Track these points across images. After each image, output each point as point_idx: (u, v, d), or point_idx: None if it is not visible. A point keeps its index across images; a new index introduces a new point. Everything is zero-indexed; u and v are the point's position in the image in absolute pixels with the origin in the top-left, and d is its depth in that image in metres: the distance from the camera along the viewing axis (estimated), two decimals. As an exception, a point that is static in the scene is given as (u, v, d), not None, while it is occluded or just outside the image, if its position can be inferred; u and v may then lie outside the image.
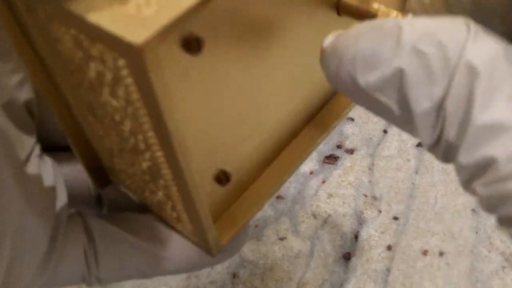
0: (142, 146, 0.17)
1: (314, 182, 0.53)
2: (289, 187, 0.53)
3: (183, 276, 0.46)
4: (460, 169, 0.13)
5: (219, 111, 0.17)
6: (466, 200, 0.51)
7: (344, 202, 0.51)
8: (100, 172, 0.22)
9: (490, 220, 0.49)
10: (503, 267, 0.46)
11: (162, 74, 0.12)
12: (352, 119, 0.59)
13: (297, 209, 0.51)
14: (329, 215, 0.50)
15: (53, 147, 0.23)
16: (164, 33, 0.12)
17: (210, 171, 0.18)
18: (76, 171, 0.23)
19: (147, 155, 0.17)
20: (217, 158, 0.18)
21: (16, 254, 0.19)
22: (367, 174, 0.54)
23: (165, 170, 0.17)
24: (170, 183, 0.17)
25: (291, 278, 0.46)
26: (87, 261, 0.21)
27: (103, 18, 0.12)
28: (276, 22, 0.17)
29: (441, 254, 0.47)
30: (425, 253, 0.47)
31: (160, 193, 0.19)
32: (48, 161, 0.22)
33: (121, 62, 0.13)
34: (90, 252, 0.21)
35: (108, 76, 0.14)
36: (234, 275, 0.46)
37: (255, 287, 0.45)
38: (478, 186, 0.13)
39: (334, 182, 0.53)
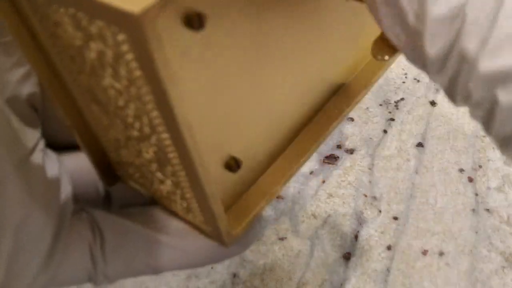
0: (147, 130, 0.17)
1: (314, 182, 0.53)
2: (289, 187, 0.53)
3: (183, 276, 0.46)
4: (478, 78, 0.12)
5: (224, 92, 0.17)
6: (466, 200, 0.51)
7: (344, 202, 0.51)
8: (108, 168, 0.22)
9: (490, 220, 0.49)
10: (503, 267, 0.46)
11: (162, 46, 0.12)
12: (352, 119, 0.59)
13: (297, 209, 0.51)
14: (329, 215, 0.50)
15: (59, 147, 0.23)
16: (164, 3, 0.12)
17: (219, 157, 0.18)
18: (83, 171, 0.23)
19: (153, 139, 0.17)
20: (226, 144, 0.18)
21: (18, 249, 0.18)
22: (367, 174, 0.54)
23: (172, 154, 0.17)
24: (177, 167, 0.17)
25: (291, 278, 0.46)
26: (93, 257, 0.21)
27: None
28: (281, 7, 0.17)
29: (441, 254, 0.47)
30: (425, 253, 0.47)
31: (169, 182, 0.19)
32: (53, 156, 0.21)
33: (121, 37, 0.13)
34: (96, 247, 0.21)
35: (109, 54, 0.14)
36: (234, 275, 0.46)
37: (255, 287, 0.45)
38: (501, 92, 0.12)
39: (334, 182, 0.53)
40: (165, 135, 0.16)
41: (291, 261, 0.47)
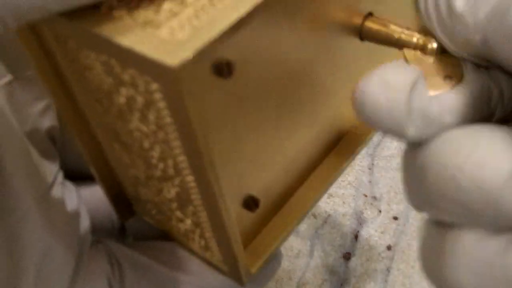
0: (171, 172, 0.16)
1: (314, 182, 0.53)
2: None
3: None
4: None
5: (247, 135, 0.17)
6: (466, 200, 0.51)
7: (344, 202, 0.51)
8: (123, 203, 0.22)
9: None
10: (503, 267, 0.46)
11: (197, 98, 0.12)
12: (352, 119, 0.59)
13: (297, 209, 0.51)
14: (329, 215, 0.50)
15: (75, 176, 0.22)
16: (200, 56, 0.11)
17: (238, 196, 0.18)
18: (99, 201, 0.23)
19: (177, 181, 0.17)
20: (245, 183, 0.18)
21: (39, 285, 0.18)
22: (367, 174, 0.54)
23: (195, 195, 0.17)
24: (199, 208, 0.17)
25: (291, 278, 0.46)
26: None
27: (136, 42, 0.12)
28: (302, 51, 0.17)
29: (441, 254, 0.47)
30: (425, 253, 0.47)
31: (188, 221, 0.19)
32: (71, 188, 0.21)
33: (154, 86, 0.13)
34: (116, 281, 0.21)
35: (139, 100, 0.14)
36: (234, 275, 0.47)
37: (255, 287, 0.46)
38: None
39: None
40: (190, 178, 0.16)
41: (291, 261, 0.47)
